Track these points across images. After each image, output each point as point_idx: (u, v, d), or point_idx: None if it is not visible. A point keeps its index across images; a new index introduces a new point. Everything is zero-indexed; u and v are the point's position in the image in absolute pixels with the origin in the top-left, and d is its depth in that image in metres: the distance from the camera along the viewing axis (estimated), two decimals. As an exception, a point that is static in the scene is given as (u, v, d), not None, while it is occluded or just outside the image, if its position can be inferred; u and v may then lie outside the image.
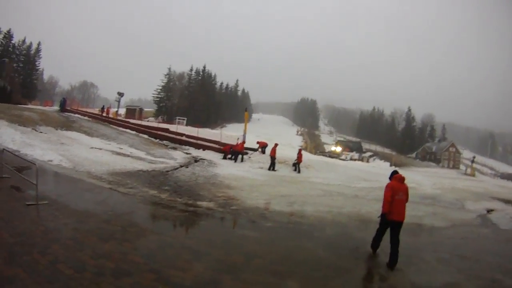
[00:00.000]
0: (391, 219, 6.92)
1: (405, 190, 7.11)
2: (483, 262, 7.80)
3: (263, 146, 27.97)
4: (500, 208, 16.23)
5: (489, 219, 13.53)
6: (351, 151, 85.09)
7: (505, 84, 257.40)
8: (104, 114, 43.58)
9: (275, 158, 22.43)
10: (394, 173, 7.43)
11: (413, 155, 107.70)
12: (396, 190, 6.94)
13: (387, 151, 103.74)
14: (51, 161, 14.40)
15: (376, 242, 7.43)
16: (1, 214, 7.02)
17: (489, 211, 15.31)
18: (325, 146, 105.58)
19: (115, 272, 5.15)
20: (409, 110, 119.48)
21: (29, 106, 45.11)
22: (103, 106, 49.03)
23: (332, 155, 63.01)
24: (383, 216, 7.03)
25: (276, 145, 23.57)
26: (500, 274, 7.01)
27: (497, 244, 10.02)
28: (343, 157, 65.86)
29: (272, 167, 22.09)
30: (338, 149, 74.18)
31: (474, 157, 74.23)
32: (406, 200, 7.10)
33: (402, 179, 7.19)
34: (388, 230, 7.10)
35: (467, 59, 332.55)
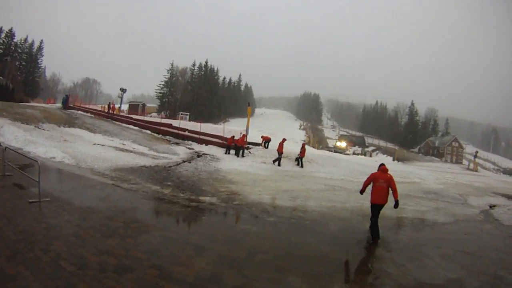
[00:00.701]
0: (373, 202, 8.24)
1: (387, 179, 8.22)
2: (486, 258, 7.75)
3: (266, 141, 27.96)
4: (503, 203, 16.09)
5: (492, 214, 13.44)
6: (354, 145, 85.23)
7: (509, 79, 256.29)
8: (111, 112, 43.21)
9: (282, 154, 22.39)
10: (381, 165, 8.74)
11: (416, 149, 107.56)
12: (377, 178, 8.26)
13: (390, 145, 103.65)
14: (53, 158, 14.44)
15: (373, 231, 8.23)
16: (4, 212, 7.05)
17: (492, 206, 15.19)
18: (328, 140, 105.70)
19: (117, 268, 5.17)
20: (412, 104, 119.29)
21: (32, 103, 45.32)
22: (109, 102, 48.89)
23: (338, 150, 63.03)
24: (362, 193, 8.84)
25: (284, 140, 23.56)
26: (503, 270, 6.96)
27: (500, 240, 9.94)
28: (348, 151, 66.10)
29: (278, 161, 22.08)
30: (343, 144, 74.31)
31: (477, 152, 73.82)
32: (390, 187, 8.18)
33: (385, 170, 8.43)
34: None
35: (470, 54, 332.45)
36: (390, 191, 8.22)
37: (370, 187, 8.40)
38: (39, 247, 5.54)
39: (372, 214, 8.27)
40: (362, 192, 8.81)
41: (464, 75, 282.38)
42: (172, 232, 7.35)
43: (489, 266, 7.18)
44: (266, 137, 28.54)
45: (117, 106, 50.20)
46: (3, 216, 6.79)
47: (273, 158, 22.63)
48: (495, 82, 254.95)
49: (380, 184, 8.18)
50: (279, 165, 21.81)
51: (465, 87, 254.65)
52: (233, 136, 25.65)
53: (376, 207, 8.22)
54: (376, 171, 8.59)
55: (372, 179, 8.36)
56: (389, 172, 8.45)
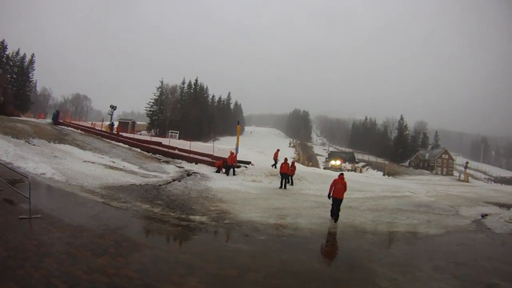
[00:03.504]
0: (334, 197, 12.52)
1: (344, 183, 12.73)
2: (479, 267, 7.88)
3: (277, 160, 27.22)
4: (495, 212, 16.30)
5: (484, 224, 13.60)
6: (344, 162, 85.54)
7: (497, 89, 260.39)
8: (115, 132, 40.88)
9: (285, 174, 21.45)
10: (340, 174, 13.53)
11: (406, 163, 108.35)
12: (337, 183, 12.68)
13: (380, 160, 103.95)
14: (44, 174, 14.36)
15: (332, 212, 12.55)
16: (-6, 228, 7.01)
17: (484, 216, 15.37)
18: (318, 157, 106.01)
19: (109, 287, 5.17)
20: (402, 118, 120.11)
21: (23, 118, 44.71)
22: (113, 122, 47.88)
23: (334, 169, 63.41)
24: (329, 196, 12.73)
25: (285, 160, 22.60)
26: (496, 278, 7.08)
27: (493, 248, 10.10)
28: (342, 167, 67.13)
29: (283, 183, 21.24)
30: (338, 162, 75.24)
31: (467, 163, 74.47)
32: (344, 189, 12.70)
33: (342, 177, 12.92)
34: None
35: (458, 65, 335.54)
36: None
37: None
38: (30, 264, 5.52)
39: (333, 204, 12.50)
40: (329, 196, 12.71)
41: (452, 87, 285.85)
42: (163, 251, 7.37)
43: (483, 275, 7.31)
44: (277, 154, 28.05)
45: (107, 123, 49.54)
46: (-7, 232, 6.75)
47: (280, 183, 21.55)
48: (483, 92, 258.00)
49: (339, 187, 12.58)
50: (284, 187, 20.98)
51: (453, 99, 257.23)
52: (223, 160, 25.35)
53: (337, 200, 12.43)
54: (336, 178, 13.06)
55: (334, 183, 12.75)
56: (344, 179, 12.89)
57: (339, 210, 12.35)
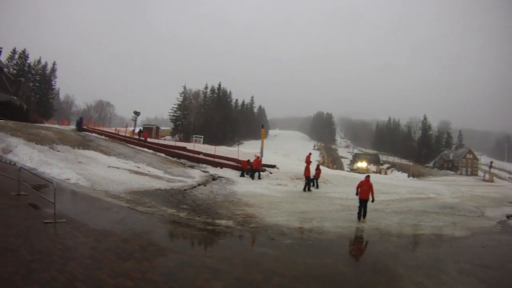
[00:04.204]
0: (361, 198, 13.22)
1: (369, 185, 13.35)
2: (505, 270, 7.71)
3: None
4: (520, 212, 15.88)
5: (509, 225, 13.32)
6: (369, 163, 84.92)
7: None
8: (142, 138, 39.78)
9: (309, 178, 21.43)
10: (366, 176, 14.32)
11: (431, 164, 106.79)
12: (363, 184, 13.41)
13: (404, 161, 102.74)
14: (68, 179, 14.52)
15: (358, 214, 13.13)
16: (19, 232, 7.04)
17: (509, 217, 15.09)
18: (342, 160, 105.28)
19: (134, 292, 5.07)
20: (425, 118, 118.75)
21: (46, 124, 45.61)
22: (140, 129, 47.95)
23: (361, 171, 62.95)
24: (356, 194, 13.59)
25: (309, 162, 22.67)
26: None
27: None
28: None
29: (307, 186, 21.05)
30: (364, 164, 74.64)
31: (491, 163, 72.99)
32: (370, 190, 13.25)
33: (368, 179, 13.65)
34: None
35: (481, 63, 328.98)
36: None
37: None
38: (54, 268, 5.47)
39: (359, 205, 13.16)
40: (356, 193, 13.59)
41: (476, 85, 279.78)
42: (189, 255, 7.26)
43: (508, 278, 7.17)
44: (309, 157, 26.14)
45: (131, 129, 49.71)
46: (18, 236, 6.77)
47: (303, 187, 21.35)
48: (508, 89, 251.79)
49: (365, 188, 13.29)
50: (308, 190, 20.84)
51: (477, 97, 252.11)
52: (248, 160, 25.44)
53: (362, 201, 13.15)
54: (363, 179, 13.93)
55: (360, 185, 13.54)
56: (370, 181, 13.56)
57: (366, 210, 13.16)
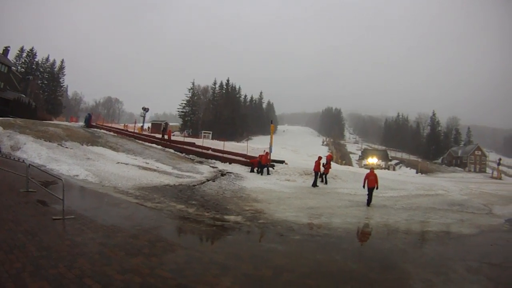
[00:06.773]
0: (369, 187, 15.25)
1: (374, 175, 15.48)
2: None
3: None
4: (528, 210, 15.64)
5: (518, 223, 13.05)
6: (377, 159, 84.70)
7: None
8: (166, 137, 38.09)
9: (318, 173, 21.49)
10: (371, 169, 16.48)
11: (439, 160, 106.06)
12: (369, 175, 15.48)
13: (412, 158, 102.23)
14: (77, 176, 14.59)
15: (368, 200, 15.15)
16: (28, 228, 7.05)
17: (517, 215, 14.80)
18: (351, 155, 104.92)
19: (142, 287, 5.03)
20: (434, 114, 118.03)
21: (55, 122, 45.91)
22: (163, 127, 47.01)
23: (374, 167, 63.07)
24: (363, 186, 15.59)
25: (319, 158, 22.56)
26: None
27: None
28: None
29: (314, 182, 21.08)
30: (374, 160, 74.47)
31: (500, 159, 72.45)
32: (375, 179, 15.36)
33: (372, 171, 15.84)
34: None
35: (489, 60, 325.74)
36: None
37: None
38: (63, 264, 5.44)
39: (368, 193, 15.22)
40: (364, 186, 15.57)
41: (484, 81, 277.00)
42: (197, 251, 7.21)
43: None
44: (330, 156, 25.25)
45: (139, 125, 49.32)
46: (27, 232, 6.77)
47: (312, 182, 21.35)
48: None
49: (371, 178, 15.37)
50: (315, 185, 20.84)
51: (485, 93, 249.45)
52: (260, 156, 25.20)
53: (370, 189, 15.22)
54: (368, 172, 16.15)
55: (367, 176, 15.59)
56: (375, 172, 15.82)
57: (371, 195, 15.34)
